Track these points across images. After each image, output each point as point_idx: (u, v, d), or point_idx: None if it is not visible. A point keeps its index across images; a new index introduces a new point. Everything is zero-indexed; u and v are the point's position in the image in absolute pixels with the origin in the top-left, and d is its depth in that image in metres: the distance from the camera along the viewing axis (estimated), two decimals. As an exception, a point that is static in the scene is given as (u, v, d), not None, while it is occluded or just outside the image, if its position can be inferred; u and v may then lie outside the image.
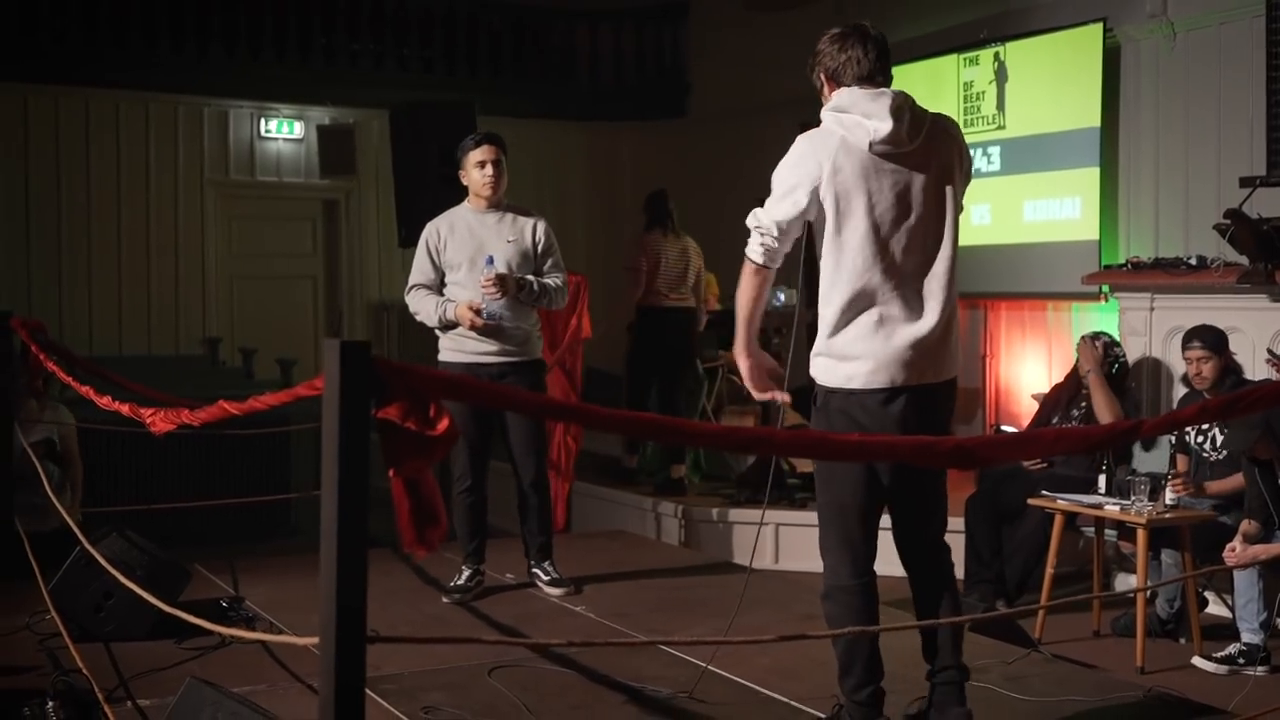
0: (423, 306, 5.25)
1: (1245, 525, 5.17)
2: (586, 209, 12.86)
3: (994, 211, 8.50)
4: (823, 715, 3.80)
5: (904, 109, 3.45)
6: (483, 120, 8.64)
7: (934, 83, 8.62)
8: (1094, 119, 7.90)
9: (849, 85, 3.50)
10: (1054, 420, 6.60)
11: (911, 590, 3.72)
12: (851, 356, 3.45)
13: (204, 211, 11.54)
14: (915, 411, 3.46)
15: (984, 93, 8.53)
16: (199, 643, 4.41)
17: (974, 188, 3.95)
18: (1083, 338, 6.70)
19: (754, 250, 3.51)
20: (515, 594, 5.41)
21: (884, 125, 3.40)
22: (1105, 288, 7.63)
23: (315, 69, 11.78)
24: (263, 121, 11.73)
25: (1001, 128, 8.41)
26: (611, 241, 11.73)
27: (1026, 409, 7.99)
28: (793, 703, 4.01)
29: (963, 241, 3.63)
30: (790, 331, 8.34)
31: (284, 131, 11.81)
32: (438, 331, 5.33)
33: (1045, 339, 8.39)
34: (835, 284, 3.47)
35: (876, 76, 3.51)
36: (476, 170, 5.25)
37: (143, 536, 4.77)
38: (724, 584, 5.51)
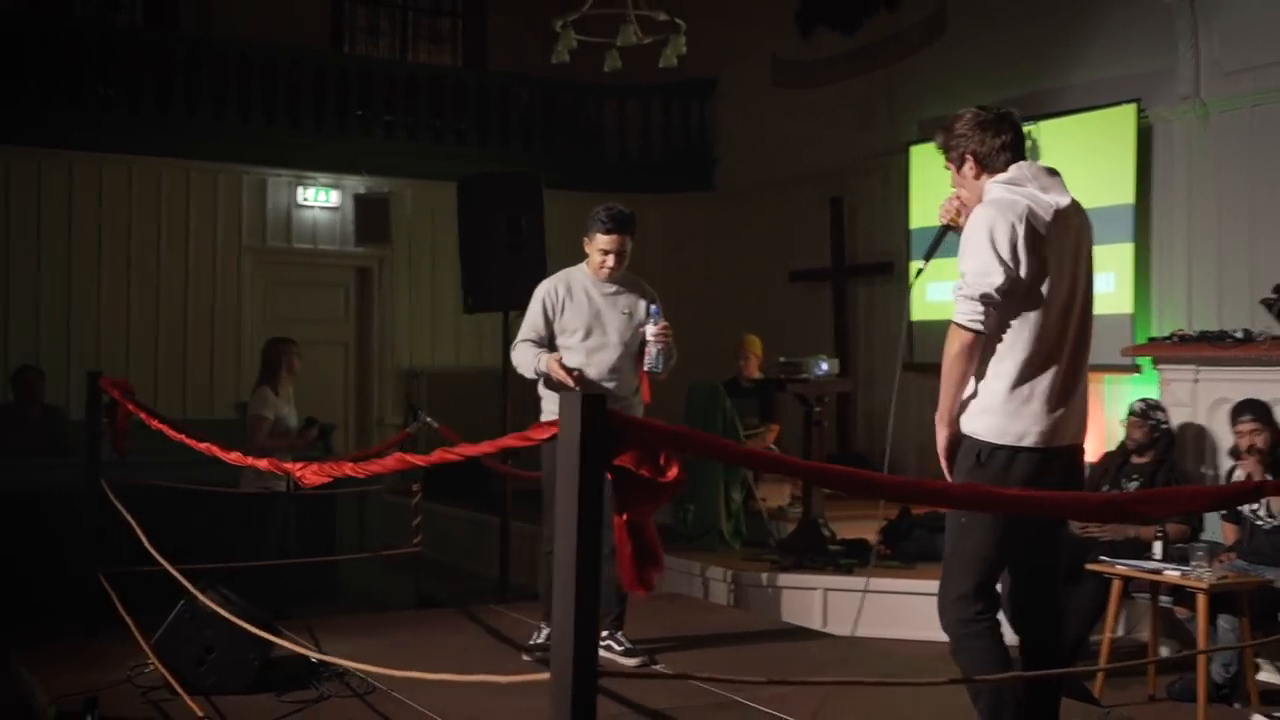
0: (523, 358, 5.31)
1: (1307, 591, 5.30)
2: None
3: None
4: None
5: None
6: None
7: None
8: (1128, 196, 8.13)
9: (998, 169, 3.69)
10: (1103, 488, 6.74)
11: (1023, 656, 3.77)
12: (1026, 415, 3.56)
13: (240, 277, 11.73)
14: (1067, 470, 3.64)
15: (1018, 169, 8.74)
16: (298, 696, 4.51)
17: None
18: (1130, 411, 6.82)
19: (972, 319, 3.53)
20: (590, 652, 5.49)
21: (1064, 199, 3.62)
22: (1150, 360, 7.77)
23: (352, 139, 12.06)
24: (300, 190, 11.94)
25: (1036, 203, 8.62)
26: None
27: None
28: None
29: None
30: (830, 400, 8.57)
31: (320, 200, 12.02)
32: (540, 390, 5.41)
33: (1080, 410, 8.52)
34: (1016, 344, 3.57)
35: (1018, 159, 3.71)
36: (599, 254, 5.36)
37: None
38: (796, 647, 5.61)
